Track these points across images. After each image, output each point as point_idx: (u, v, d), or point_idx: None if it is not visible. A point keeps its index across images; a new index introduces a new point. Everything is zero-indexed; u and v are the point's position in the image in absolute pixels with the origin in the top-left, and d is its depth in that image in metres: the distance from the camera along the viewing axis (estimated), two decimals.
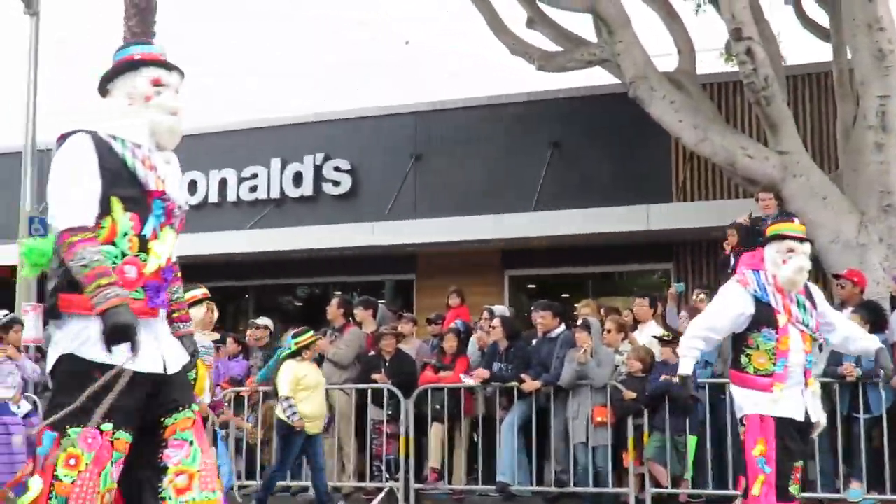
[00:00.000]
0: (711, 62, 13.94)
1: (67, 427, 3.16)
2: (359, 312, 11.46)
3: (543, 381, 9.66)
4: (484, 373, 9.91)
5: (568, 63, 12.93)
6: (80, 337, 3.24)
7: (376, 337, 10.82)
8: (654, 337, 9.79)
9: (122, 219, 3.29)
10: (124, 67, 3.60)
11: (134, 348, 3.10)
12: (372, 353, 10.84)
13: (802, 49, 14.01)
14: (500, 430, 9.86)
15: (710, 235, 11.51)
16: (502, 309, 11.65)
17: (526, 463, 9.79)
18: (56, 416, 3.17)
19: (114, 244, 3.28)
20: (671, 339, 9.43)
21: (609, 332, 9.96)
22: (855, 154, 11.05)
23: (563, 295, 12.97)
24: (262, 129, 17.05)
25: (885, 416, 8.49)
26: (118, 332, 3.07)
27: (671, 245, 13.15)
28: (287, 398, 8.87)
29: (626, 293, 12.83)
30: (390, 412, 10.18)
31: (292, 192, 16.22)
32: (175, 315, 3.85)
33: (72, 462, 3.17)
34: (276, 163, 16.37)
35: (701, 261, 12.25)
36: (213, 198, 16.68)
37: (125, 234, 3.31)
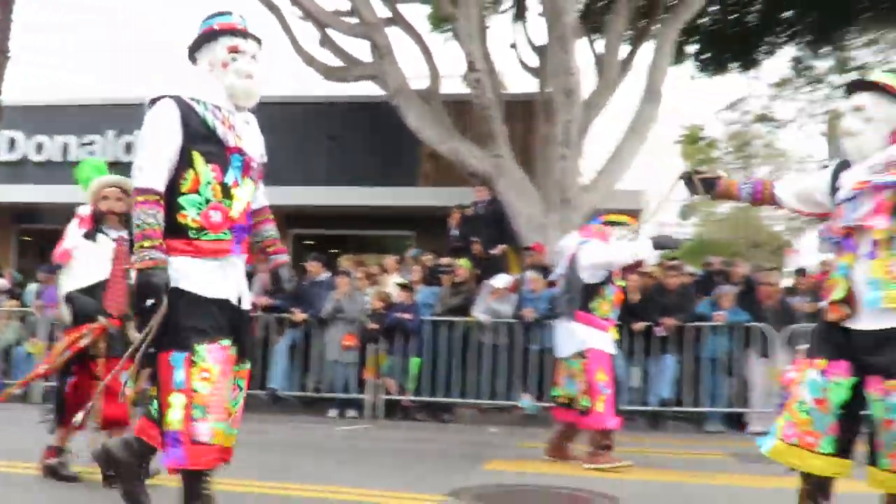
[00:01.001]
0: (454, 84, 14.24)
1: (195, 345, 2.98)
2: None
3: (310, 314, 9.81)
4: (265, 300, 9.86)
5: (347, 77, 13.01)
6: (181, 272, 3.02)
7: None
8: (397, 283, 10.05)
9: (204, 170, 3.09)
10: (205, 38, 3.34)
11: (158, 307, 2.95)
12: None
13: (521, 81, 14.57)
14: (274, 350, 9.88)
15: (442, 212, 11.79)
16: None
17: (293, 375, 9.89)
18: (180, 337, 2.99)
19: (198, 192, 3.08)
20: (406, 286, 9.81)
21: (360, 279, 10.24)
22: (547, 161, 11.62)
23: (333, 251, 12.99)
24: (101, 105, 16.16)
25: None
26: (148, 289, 2.95)
27: (414, 218, 13.35)
28: None
29: (380, 252, 13.16)
30: None
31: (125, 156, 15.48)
32: (270, 249, 3.67)
33: (205, 375, 2.99)
34: (110, 133, 15.68)
35: (435, 230, 12.39)
36: (58, 157, 15.67)
37: (208, 183, 3.11)
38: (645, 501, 4.69)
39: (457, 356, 9.44)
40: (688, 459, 6.76)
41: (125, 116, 15.66)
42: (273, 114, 15.06)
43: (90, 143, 15.53)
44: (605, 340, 6.06)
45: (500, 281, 9.67)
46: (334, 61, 13.12)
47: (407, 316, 9.52)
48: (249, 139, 3.34)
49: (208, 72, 3.29)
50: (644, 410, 9.17)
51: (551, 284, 9.52)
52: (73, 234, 4.40)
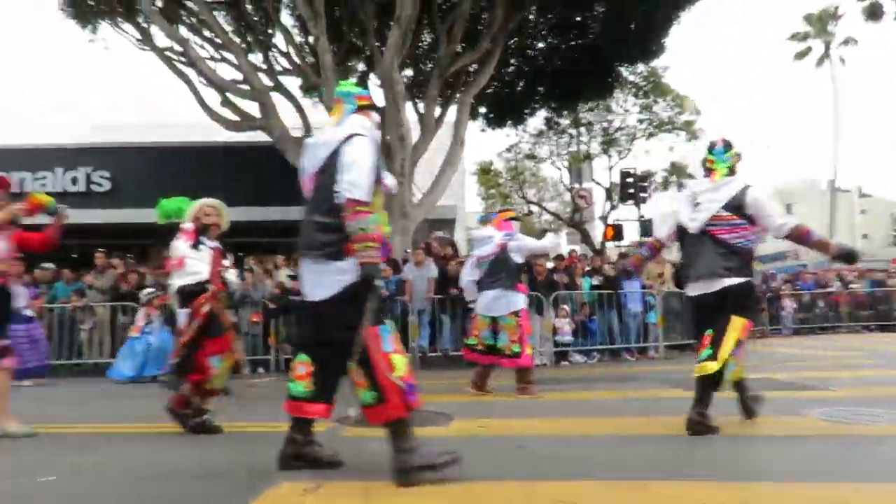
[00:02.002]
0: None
1: (385, 321, 2.77)
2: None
3: None
4: None
5: (243, 127, 12.55)
6: (354, 270, 2.70)
7: None
8: (288, 275, 9.70)
9: (378, 197, 2.84)
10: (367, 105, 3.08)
11: (376, 288, 2.67)
12: None
13: None
14: None
15: None
16: None
17: None
18: (379, 315, 2.76)
19: (377, 213, 2.81)
20: (295, 276, 9.55)
21: (261, 272, 9.92)
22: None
23: (240, 253, 12.50)
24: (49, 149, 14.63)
25: None
26: (371, 278, 2.70)
27: (295, 228, 12.76)
28: None
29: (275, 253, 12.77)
30: None
31: (71, 187, 14.14)
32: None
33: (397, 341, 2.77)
34: (59, 170, 14.20)
35: None
36: (14, 189, 13.95)
37: (378, 206, 2.85)
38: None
39: None
40: None
41: (72, 157, 14.37)
42: (192, 156, 14.52)
43: (42, 178, 14.02)
44: (527, 303, 6.09)
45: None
46: (233, 117, 12.61)
47: (296, 298, 9.30)
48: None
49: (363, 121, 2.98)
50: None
51: (396, 271, 9.72)
52: (182, 245, 4.15)
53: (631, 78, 20.44)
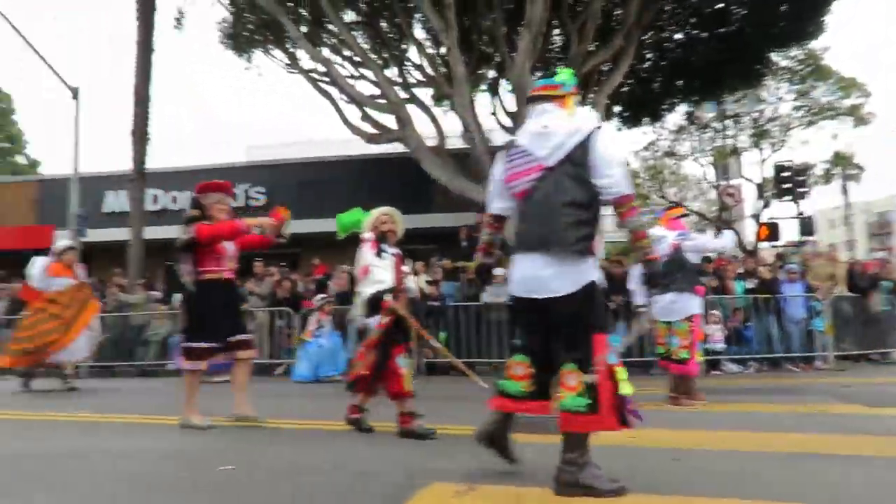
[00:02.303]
0: (455, 141, 14.29)
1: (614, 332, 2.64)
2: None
3: None
4: None
5: (381, 140, 13.09)
6: (597, 271, 2.62)
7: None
8: (426, 281, 9.68)
9: None
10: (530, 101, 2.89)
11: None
12: None
13: (501, 136, 14.57)
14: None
15: (453, 231, 11.75)
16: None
17: None
18: (608, 322, 2.60)
19: None
20: (434, 283, 9.78)
21: None
22: None
23: None
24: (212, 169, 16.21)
25: None
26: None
27: (433, 235, 12.94)
28: None
29: (414, 259, 13.11)
30: None
31: (232, 203, 15.56)
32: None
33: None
34: None
35: (448, 243, 12.35)
36: (185, 205, 15.64)
37: None
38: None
39: (472, 330, 9.29)
40: None
41: (232, 175, 15.79)
42: (336, 169, 15.47)
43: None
44: (702, 307, 5.77)
45: (499, 272, 9.63)
46: (372, 130, 13.20)
47: (436, 303, 9.55)
48: None
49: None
50: None
51: None
52: (367, 254, 4.14)
53: (784, 63, 18.76)
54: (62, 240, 7.97)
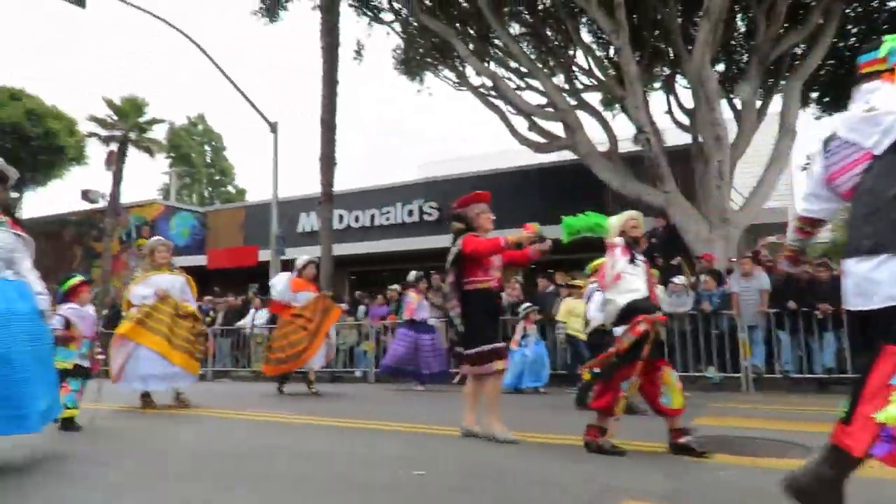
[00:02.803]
0: (626, 144, 13.75)
1: None
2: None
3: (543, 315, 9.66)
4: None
5: (550, 148, 13.00)
6: None
7: None
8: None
9: None
10: None
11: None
12: None
13: (676, 136, 13.79)
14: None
15: None
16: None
17: None
18: None
19: None
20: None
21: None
22: (706, 192, 10.90)
23: (549, 270, 12.88)
24: (391, 187, 17.22)
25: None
26: None
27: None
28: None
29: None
30: None
31: (408, 219, 16.44)
32: None
33: None
34: (398, 204, 16.61)
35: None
36: (367, 224, 16.84)
37: None
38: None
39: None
40: None
41: (407, 192, 16.68)
42: (505, 181, 15.67)
43: (387, 213, 16.61)
44: None
45: (678, 280, 9.10)
46: (541, 139, 13.19)
47: None
48: None
49: None
50: (812, 377, 8.05)
51: (720, 284, 8.95)
52: (620, 260, 3.86)
53: None
54: (303, 256, 8.45)
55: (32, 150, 18.76)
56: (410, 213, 16.31)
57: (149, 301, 6.40)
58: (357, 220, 16.83)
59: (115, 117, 20.58)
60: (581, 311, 6.99)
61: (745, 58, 13.35)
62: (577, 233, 4.36)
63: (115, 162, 20.30)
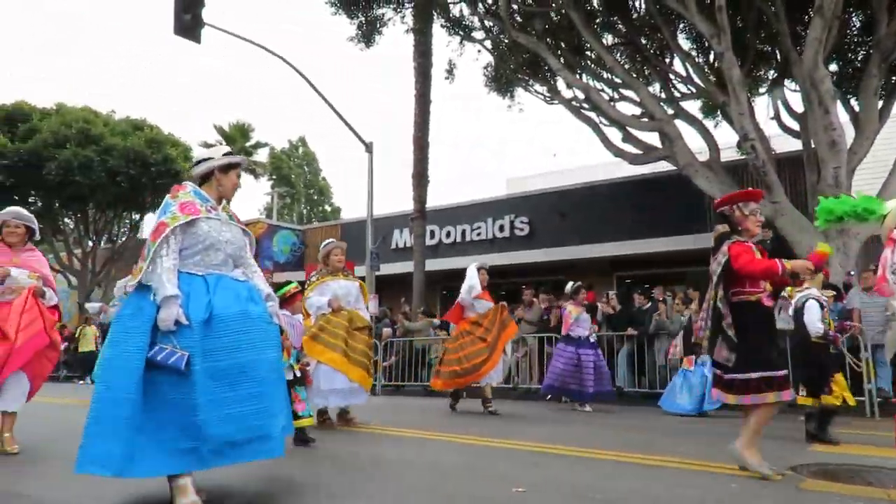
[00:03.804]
0: (728, 153, 13.15)
1: None
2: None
3: (640, 331, 9.41)
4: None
5: (646, 159, 12.63)
6: None
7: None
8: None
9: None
10: None
11: None
12: None
13: (782, 142, 13.02)
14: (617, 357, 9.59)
15: None
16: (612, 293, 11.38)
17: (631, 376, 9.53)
18: None
19: None
20: None
21: (677, 304, 9.64)
22: (820, 200, 10.17)
23: (645, 285, 12.48)
24: (482, 203, 17.31)
25: None
26: None
27: (707, 255, 12.22)
28: None
29: (685, 283, 12.28)
30: None
31: (498, 234, 16.44)
32: None
33: None
34: (489, 220, 16.64)
35: None
36: (459, 239, 16.98)
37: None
38: None
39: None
40: None
41: (497, 208, 16.72)
42: (597, 194, 15.39)
43: (478, 228, 16.70)
44: None
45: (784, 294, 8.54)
46: (635, 150, 12.84)
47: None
48: None
49: None
50: None
51: (838, 299, 8.29)
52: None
53: None
54: (475, 263, 7.72)
55: (152, 175, 20.38)
56: (501, 228, 16.31)
57: (323, 311, 5.84)
58: (448, 235, 17.03)
59: (224, 142, 22.08)
60: None
61: (860, 55, 12.44)
62: (839, 219, 3.71)
63: None
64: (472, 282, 7.29)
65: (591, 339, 8.21)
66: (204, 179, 3.17)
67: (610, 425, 6.60)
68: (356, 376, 5.71)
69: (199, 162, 3.22)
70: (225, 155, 3.22)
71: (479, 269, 7.48)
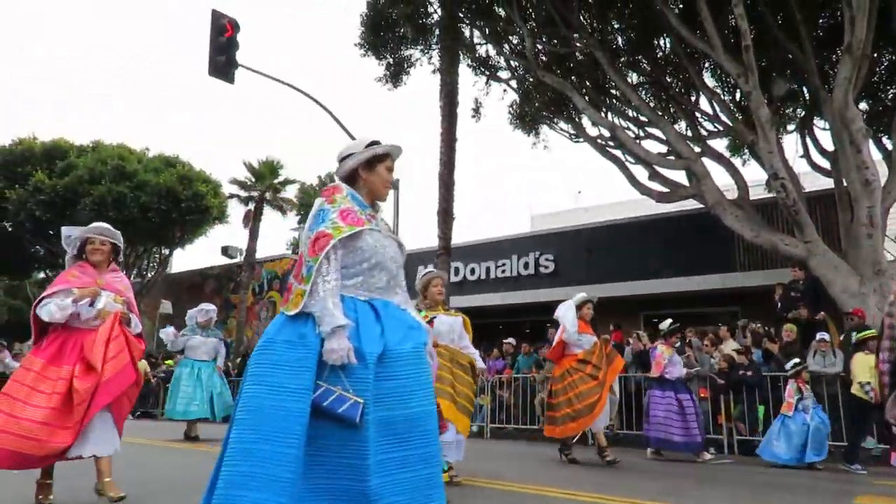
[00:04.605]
0: (757, 191, 12.99)
1: None
2: None
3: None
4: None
5: (673, 198, 12.51)
6: None
7: None
8: (733, 350, 9.08)
9: None
10: None
11: None
12: None
13: (813, 181, 12.84)
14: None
15: (763, 290, 10.54)
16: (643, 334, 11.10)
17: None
18: None
19: None
20: (744, 351, 8.82)
21: (706, 345, 9.43)
22: (854, 241, 9.95)
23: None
24: (507, 240, 17.25)
25: None
26: None
27: (736, 295, 12.09)
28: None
29: (712, 323, 12.00)
30: None
31: (523, 271, 16.35)
32: None
33: None
34: (514, 257, 16.58)
35: (755, 305, 11.22)
36: (483, 276, 16.93)
37: None
38: None
39: None
40: None
41: (522, 245, 16.65)
42: (623, 232, 15.27)
43: (502, 265, 16.63)
44: None
45: (824, 337, 8.32)
46: (662, 188, 12.74)
47: (748, 373, 8.50)
48: None
49: None
50: None
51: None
52: None
53: None
54: (579, 294, 7.08)
55: (182, 210, 20.81)
56: (526, 265, 16.21)
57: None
58: (473, 272, 16.97)
59: (253, 179, 22.49)
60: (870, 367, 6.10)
61: (890, 94, 12.30)
62: None
63: (252, 220, 22.08)
64: (568, 321, 6.66)
65: (683, 378, 7.63)
66: (349, 180, 2.54)
67: (722, 480, 5.93)
68: (463, 427, 4.95)
69: (342, 159, 2.56)
70: (368, 147, 2.54)
71: (585, 302, 6.89)
